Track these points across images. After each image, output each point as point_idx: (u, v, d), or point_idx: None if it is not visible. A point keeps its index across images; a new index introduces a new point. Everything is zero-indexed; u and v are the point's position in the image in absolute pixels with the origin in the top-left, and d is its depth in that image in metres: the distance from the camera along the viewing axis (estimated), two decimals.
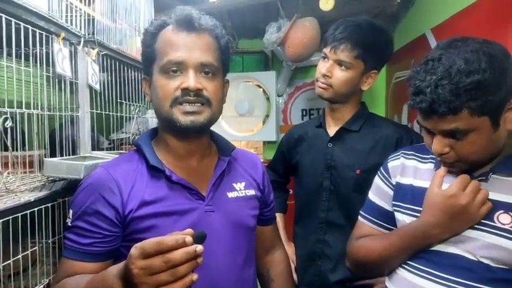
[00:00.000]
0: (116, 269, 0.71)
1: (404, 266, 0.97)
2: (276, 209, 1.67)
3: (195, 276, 0.65)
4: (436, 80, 0.79)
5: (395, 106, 2.41)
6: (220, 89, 0.95)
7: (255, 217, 1.04)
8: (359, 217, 1.14)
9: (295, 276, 1.51)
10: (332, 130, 1.43)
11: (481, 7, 1.41)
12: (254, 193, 1.04)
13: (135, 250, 0.64)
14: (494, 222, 0.85)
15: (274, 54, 2.54)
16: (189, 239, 0.63)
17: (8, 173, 0.93)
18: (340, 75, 1.33)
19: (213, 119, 0.94)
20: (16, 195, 0.97)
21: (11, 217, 0.91)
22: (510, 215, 0.84)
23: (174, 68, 0.89)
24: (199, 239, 0.66)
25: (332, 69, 1.34)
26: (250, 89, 2.61)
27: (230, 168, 1.02)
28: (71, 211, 0.89)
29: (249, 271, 1.00)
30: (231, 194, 0.99)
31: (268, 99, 2.59)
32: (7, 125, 0.90)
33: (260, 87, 2.60)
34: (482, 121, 0.79)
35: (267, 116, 2.61)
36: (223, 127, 2.61)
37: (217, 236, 0.92)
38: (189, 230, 0.66)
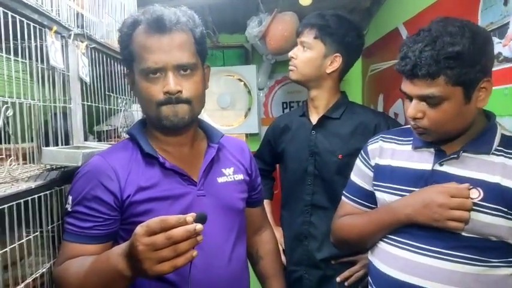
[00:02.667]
0: (119, 248, 0.76)
1: (384, 239, 1.05)
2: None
3: (195, 253, 0.70)
4: (422, 46, 0.88)
5: (371, 97, 2.52)
6: (199, 84, 0.98)
7: (243, 200, 1.10)
8: (342, 197, 1.22)
9: (283, 257, 1.59)
10: (315, 118, 1.51)
11: (451, 0, 1.52)
12: (242, 177, 1.10)
13: (140, 228, 0.69)
14: None
15: (254, 49, 2.60)
16: (189, 218, 0.69)
17: (11, 161, 0.96)
18: (302, 55, 1.46)
19: (196, 114, 0.99)
20: (13, 184, 0.99)
21: (14, 203, 0.94)
22: (478, 190, 0.91)
23: (154, 72, 0.92)
24: (200, 219, 0.71)
25: (297, 52, 1.47)
26: (232, 83, 2.67)
27: (219, 154, 1.07)
28: (70, 197, 0.93)
29: (240, 250, 1.06)
30: (220, 179, 1.05)
31: (249, 92, 2.65)
32: (8, 113, 0.93)
33: (241, 81, 2.66)
34: (455, 91, 0.88)
35: (249, 109, 2.67)
36: (206, 121, 2.65)
37: (209, 218, 0.97)
38: (192, 214, 0.71)
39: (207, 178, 1.02)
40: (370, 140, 1.18)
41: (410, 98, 0.95)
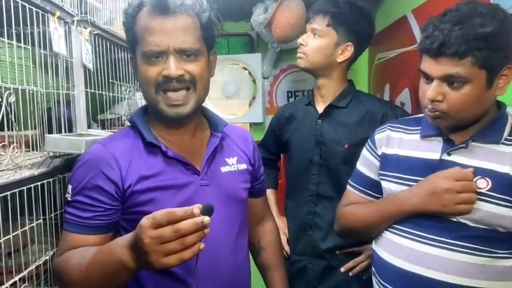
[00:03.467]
0: (123, 240, 0.74)
1: (389, 228, 1.04)
2: (267, 185, 1.74)
3: (202, 245, 0.69)
4: (450, 25, 0.86)
5: (377, 86, 2.49)
6: (203, 69, 0.95)
7: (246, 190, 1.09)
8: (347, 186, 1.21)
9: (287, 247, 1.59)
10: (321, 107, 1.49)
11: None
12: (245, 167, 1.08)
13: (146, 220, 0.67)
14: None
15: (259, 37, 2.56)
16: (196, 210, 0.67)
17: (14, 148, 0.95)
18: (313, 43, 1.42)
19: (199, 103, 0.97)
20: (16, 171, 0.99)
21: (16, 190, 0.93)
22: (486, 179, 0.91)
23: (155, 55, 0.90)
24: (207, 211, 0.70)
25: (307, 39, 1.43)
26: (236, 72, 2.64)
27: (222, 143, 1.05)
28: (70, 186, 0.92)
29: (242, 240, 1.06)
30: (224, 169, 1.03)
31: (254, 81, 2.62)
32: (11, 100, 0.92)
33: (246, 69, 2.63)
34: (479, 74, 0.86)
35: (253, 98, 2.64)
36: (210, 109, 2.63)
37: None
38: (198, 204, 0.69)
39: (210, 167, 1.00)
40: (378, 129, 1.16)
41: (431, 80, 0.92)
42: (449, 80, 0.89)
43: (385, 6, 2.36)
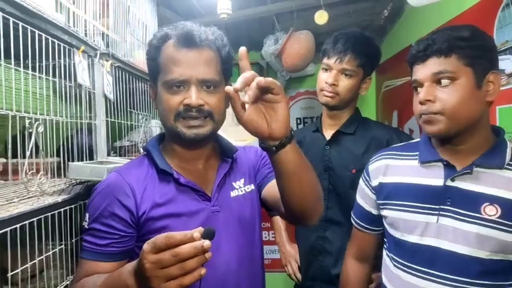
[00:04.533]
0: (130, 266, 0.76)
1: (398, 265, 1.04)
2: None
3: (203, 271, 0.67)
4: (435, 33, 0.95)
5: (385, 113, 2.54)
6: (221, 100, 0.97)
7: (256, 212, 1.07)
8: (352, 220, 1.24)
9: (298, 274, 1.60)
10: (328, 134, 1.54)
11: (465, 19, 1.54)
12: (254, 187, 1.08)
13: (147, 245, 0.68)
14: (481, 214, 0.91)
15: (269, 66, 2.65)
16: (196, 234, 0.66)
17: (41, 175, 1.00)
18: (346, 83, 1.46)
19: (215, 130, 0.98)
20: (39, 198, 1.03)
21: (42, 216, 0.98)
22: (495, 206, 0.90)
23: (178, 84, 0.92)
24: (208, 235, 0.68)
25: (338, 78, 1.45)
26: None
27: (232, 167, 1.06)
28: (87, 214, 0.94)
29: (256, 264, 1.05)
30: (233, 193, 1.03)
31: None
32: (40, 130, 0.98)
33: None
34: (467, 71, 0.92)
35: None
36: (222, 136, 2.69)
37: (225, 234, 0.96)
38: (199, 228, 0.68)
39: (220, 193, 1.01)
40: (372, 159, 1.17)
41: (421, 86, 0.97)
42: (438, 79, 0.93)
43: (390, 37, 2.44)
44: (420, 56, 0.96)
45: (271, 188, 1.05)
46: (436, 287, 0.95)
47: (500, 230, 0.89)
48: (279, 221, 1.73)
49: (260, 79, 0.73)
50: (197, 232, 0.67)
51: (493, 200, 0.91)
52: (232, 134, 2.75)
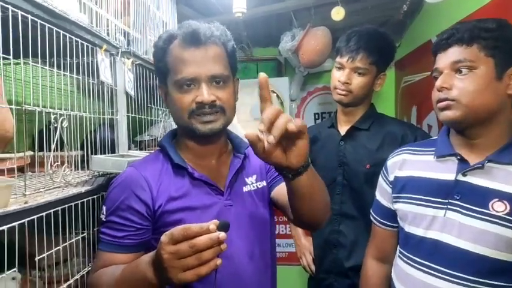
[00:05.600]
0: (148, 257, 0.78)
1: (402, 257, 1.05)
2: None
3: (219, 261, 0.69)
4: (461, 23, 0.96)
5: (404, 108, 2.52)
6: (231, 95, 1.00)
7: (267, 207, 1.10)
8: (371, 218, 1.24)
9: (313, 266, 1.63)
10: (343, 129, 1.56)
11: (486, 13, 1.52)
12: (265, 184, 1.10)
13: (164, 237, 0.70)
14: (489, 210, 0.90)
15: (287, 61, 2.67)
16: (212, 226, 0.69)
17: (65, 168, 1.06)
18: (358, 81, 1.47)
19: (228, 123, 1.01)
20: (64, 188, 1.10)
21: (66, 206, 1.04)
22: (504, 203, 0.89)
23: (188, 83, 0.95)
24: (223, 227, 0.70)
25: (350, 77, 1.47)
26: None
27: (244, 164, 1.09)
28: (104, 207, 0.97)
29: (267, 258, 1.06)
30: (245, 188, 1.06)
31: (282, 103, 2.71)
32: (64, 124, 1.04)
33: (274, 92, 2.72)
34: (487, 61, 0.91)
35: None
36: (240, 131, 2.72)
37: (236, 228, 0.97)
38: (215, 220, 0.71)
39: (233, 188, 1.03)
40: (393, 153, 1.19)
41: (441, 74, 0.97)
42: (458, 67, 0.94)
43: (410, 32, 2.41)
44: (442, 45, 0.97)
45: (281, 191, 1.07)
46: (436, 281, 0.95)
47: (506, 227, 0.88)
48: None
49: (291, 126, 0.71)
50: (213, 224, 0.69)
51: (502, 196, 0.90)
52: (253, 129, 2.81)
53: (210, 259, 0.69)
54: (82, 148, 1.28)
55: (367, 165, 1.47)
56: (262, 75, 0.77)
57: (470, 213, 0.93)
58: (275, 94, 2.73)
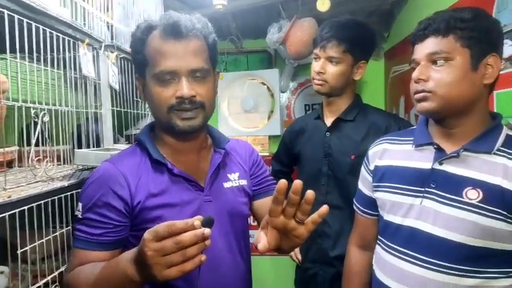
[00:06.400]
0: (129, 254, 0.77)
1: (381, 244, 1.07)
2: None
3: (203, 257, 0.69)
4: (437, 13, 0.96)
5: (393, 98, 2.53)
6: (211, 89, 0.99)
7: (247, 204, 1.11)
8: (354, 207, 1.26)
9: (299, 255, 1.66)
10: (329, 121, 1.57)
11: (465, 4, 1.53)
12: (246, 183, 1.10)
13: (148, 234, 0.69)
14: (463, 198, 0.92)
15: (277, 53, 2.67)
16: (197, 222, 0.68)
17: (47, 162, 1.07)
18: (332, 70, 1.47)
19: (207, 118, 1.00)
20: (49, 182, 1.11)
21: (49, 199, 1.05)
22: (477, 191, 0.91)
23: (167, 77, 0.92)
24: (207, 223, 0.70)
25: (325, 66, 1.48)
26: (255, 87, 2.74)
27: (225, 159, 1.08)
28: (80, 204, 0.94)
29: (245, 254, 1.07)
30: (226, 185, 1.05)
31: (272, 95, 2.72)
32: (45, 119, 1.05)
33: (264, 84, 2.73)
34: (463, 52, 0.92)
35: (272, 111, 2.73)
36: (230, 123, 2.75)
37: (215, 223, 0.97)
38: (199, 216, 0.70)
39: (213, 184, 1.03)
40: (374, 143, 1.20)
41: (418, 65, 0.98)
42: (434, 58, 0.94)
43: (398, 21, 2.42)
44: (419, 36, 0.97)
45: (262, 205, 1.11)
46: (412, 268, 0.97)
47: (479, 214, 0.89)
48: None
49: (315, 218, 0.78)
50: (197, 220, 0.69)
51: (476, 184, 0.91)
52: (244, 121, 2.83)
53: (195, 255, 0.68)
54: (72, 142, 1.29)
55: (352, 156, 1.48)
56: (283, 182, 0.73)
57: (445, 201, 0.94)
58: (265, 86, 2.74)
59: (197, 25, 0.95)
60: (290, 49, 2.21)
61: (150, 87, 0.95)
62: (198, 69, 0.94)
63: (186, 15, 0.96)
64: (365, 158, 1.21)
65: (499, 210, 0.88)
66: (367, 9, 2.32)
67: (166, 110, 0.94)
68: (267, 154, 2.75)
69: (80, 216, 0.93)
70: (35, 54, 1.05)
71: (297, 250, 1.67)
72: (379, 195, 1.11)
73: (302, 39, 2.12)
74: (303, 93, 2.86)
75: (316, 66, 1.50)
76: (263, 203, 1.14)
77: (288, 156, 1.76)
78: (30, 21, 1.02)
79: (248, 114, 2.75)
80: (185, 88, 0.92)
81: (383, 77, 2.72)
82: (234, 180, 1.07)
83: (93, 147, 1.35)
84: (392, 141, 1.14)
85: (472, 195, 0.91)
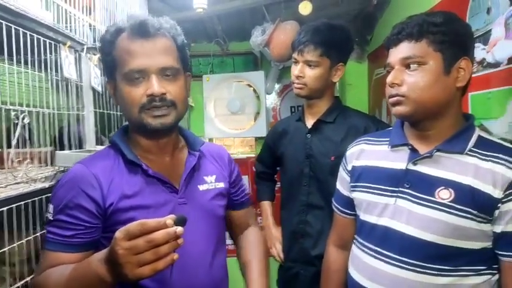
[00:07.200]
0: (100, 254, 0.76)
1: (357, 243, 1.09)
2: (265, 197, 1.83)
3: (175, 256, 0.69)
4: (411, 17, 0.98)
5: (376, 101, 2.57)
6: (182, 88, 0.98)
7: (223, 207, 1.11)
8: (333, 207, 1.27)
9: (282, 255, 1.68)
10: (310, 123, 1.59)
11: (440, 8, 1.56)
12: (223, 186, 1.10)
13: (119, 233, 0.69)
14: (435, 197, 0.94)
15: (262, 55, 2.69)
16: (169, 221, 0.68)
17: (27, 164, 1.08)
18: (311, 73, 1.50)
19: (179, 118, 0.99)
20: (31, 184, 1.12)
21: (29, 200, 1.06)
22: (450, 191, 0.92)
23: (137, 76, 0.91)
24: (180, 222, 0.70)
25: (303, 70, 1.51)
26: (241, 88, 2.76)
27: (200, 162, 1.07)
28: (51, 206, 0.93)
29: (220, 257, 1.07)
30: (201, 187, 1.05)
31: (258, 97, 2.74)
32: (25, 121, 1.06)
33: (250, 86, 2.75)
34: (436, 56, 0.94)
35: (258, 113, 2.76)
36: (217, 125, 2.76)
37: (190, 225, 0.94)
38: (171, 215, 0.70)
39: (188, 186, 1.02)
40: (351, 144, 1.22)
41: (392, 69, 1.00)
42: (407, 63, 0.96)
43: (381, 25, 2.46)
44: (393, 40, 0.99)
45: (235, 217, 1.19)
46: (386, 267, 0.99)
47: (450, 214, 0.91)
48: (266, 205, 1.81)
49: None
50: (170, 219, 0.68)
51: (448, 184, 0.93)
52: (231, 123, 2.84)
53: (167, 254, 0.68)
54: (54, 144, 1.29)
55: (332, 157, 1.51)
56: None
57: (419, 201, 0.97)
58: (251, 88, 2.77)
59: (165, 25, 0.96)
60: (273, 52, 2.24)
61: (121, 88, 0.95)
62: (167, 68, 0.94)
63: (154, 17, 0.96)
64: (343, 159, 1.23)
65: (470, 210, 0.90)
66: (352, 12, 2.36)
67: (137, 109, 0.93)
68: (254, 156, 2.78)
69: (50, 218, 0.92)
70: (15, 57, 1.06)
71: (280, 250, 1.69)
72: (356, 195, 1.13)
73: (285, 41, 2.15)
74: (289, 95, 2.89)
75: (295, 70, 1.53)
76: (239, 215, 1.21)
77: (271, 158, 1.78)
78: (10, 24, 1.03)
79: (234, 116, 2.77)
80: (155, 86, 0.91)
81: (366, 79, 2.76)
82: (211, 182, 1.08)
83: (76, 148, 1.36)
84: (370, 142, 1.16)
85: (444, 195, 0.93)
